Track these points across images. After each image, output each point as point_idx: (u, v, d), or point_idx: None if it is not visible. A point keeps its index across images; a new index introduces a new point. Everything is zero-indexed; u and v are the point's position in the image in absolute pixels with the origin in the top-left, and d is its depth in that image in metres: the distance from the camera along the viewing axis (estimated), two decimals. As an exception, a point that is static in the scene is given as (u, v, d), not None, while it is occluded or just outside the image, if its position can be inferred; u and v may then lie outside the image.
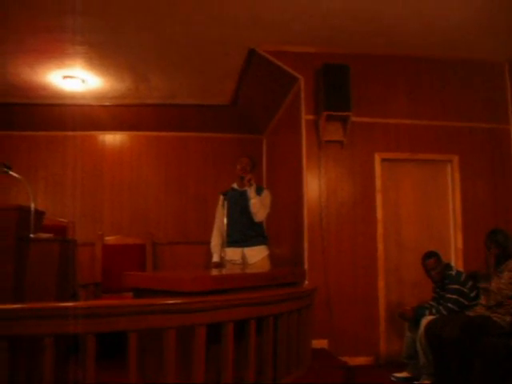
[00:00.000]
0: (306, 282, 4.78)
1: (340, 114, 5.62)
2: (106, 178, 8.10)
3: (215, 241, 5.46)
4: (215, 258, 5.41)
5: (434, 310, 4.81)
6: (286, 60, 5.95)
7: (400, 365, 5.06)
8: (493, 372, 3.99)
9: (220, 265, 5.34)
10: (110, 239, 7.09)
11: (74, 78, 6.75)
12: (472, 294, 4.83)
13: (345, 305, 5.63)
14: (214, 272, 3.92)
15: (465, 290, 4.82)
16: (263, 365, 2.95)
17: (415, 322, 4.89)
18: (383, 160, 5.89)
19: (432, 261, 5.05)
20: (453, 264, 5.40)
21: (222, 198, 5.45)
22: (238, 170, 5.31)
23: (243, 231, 5.24)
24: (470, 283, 4.87)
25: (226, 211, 5.32)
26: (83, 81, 6.84)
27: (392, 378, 4.94)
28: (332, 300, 5.59)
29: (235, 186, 5.46)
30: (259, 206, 5.15)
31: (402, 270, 5.84)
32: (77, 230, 6.82)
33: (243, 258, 5.24)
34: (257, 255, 5.24)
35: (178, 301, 2.36)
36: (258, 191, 5.24)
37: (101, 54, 6.08)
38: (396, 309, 5.55)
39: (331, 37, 5.71)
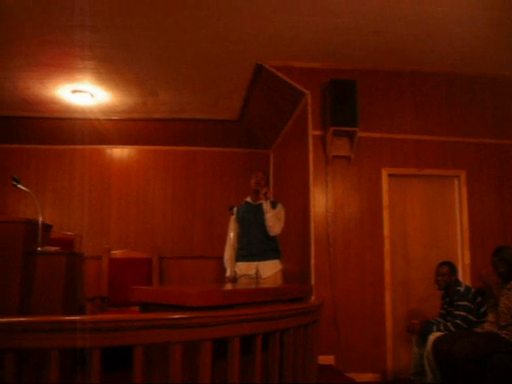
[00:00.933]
0: (313, 298, 4.77)
1: (347, 129, 5.63)
2: (113, 191, 8.13)
3: (228, 255, 5.39)
4: (228, 272, 5.33)
5: (442, 327, 4.78)
6: (293, 75, 5.97)
7: (407, 382, 5.01)
8: (502, 390, 3.96)
9: (234, 279, 5.30)
10: (117, 253, 7.10)
11: (83, 93, 6.81)
12: (480, 311, 4.81)
13: (352, 320, 5.60)
14: (221, 287, 3.91)
15: (473, 306, 4.80)
16: (269, 380, 2.93)
17: (423, 338, 4.86)
18: (390, 175, 5.89)
19: (445, 268, 5.05)
20: (461, 280, 5.37)
21: (235, 211, 5.42)
22: (253, 184, 5.29)
23: (258, 245, 5.21)
24: (478, 299, 4.84)
25: (238, 225, 5.32)
26: (92, 95, 6.89)
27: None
28: (339, 316, 5.56)
29: (249, 199, 5.44)
30: (274, 219, 5.12)
31: (409, 286, 5.81)
32: (84, 243, 6.84)
33: (256, 271, 5.18)
34: (270, 270, 5.18)
35: (184, 315, 2.35)
36: (273, 205, 5.20)
37: (109, 69, 6.14)
38: (403, 325, 5.51)
39: (338, 52, 5.73)
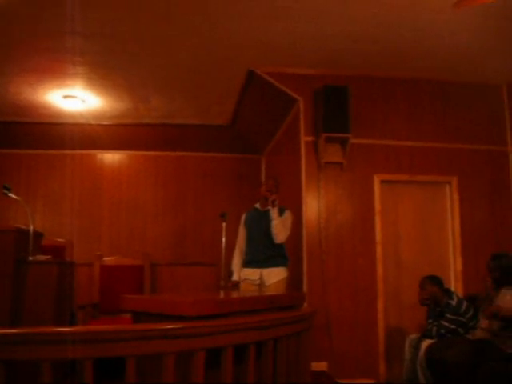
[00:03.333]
0: (306, 305, 4.75)
1: (339, 135, 5.64)
2: (104, 197, 8.11)
3: (236, 260, 5.37)
4: (235, 277, 5.31)
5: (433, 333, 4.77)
6: (286, 81, 5.97)
7: (400, 388, 5.01)
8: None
9: (238, 284, 5.28)
10: (108, 260, 7.04)
11: (74, 98, 6.79)
12: (471, 324, 4.75)
13: (344, 327, 5.59)
14: (213, 295, 3.89)
15: (464, 320, 4.74)
16: (262, 389, 2.91)
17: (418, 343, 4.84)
18: (382, 182, 5.90)
19: (425, 283, 5.00)
20: (452, 289, 5.35)
21: (243, 217, 5.41)
22: (263, 191, 5.25)
23: (264, 251, 5.16)
24: (470, 313, 4.77)
25: (246, 231, 5.33)
26: (83, 100, 6.88)
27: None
28: (331, 322, 5.56)
29: (258, 206, 5.41)
30: (280, 227, 5.08)
31: (401, 292, 5.81)
32: (75, 250, 6.79)
33: (261, 278, 5.14)
34: (274, 277, 5.12)
35: (178, 326, 2.34)
36: (280, 212, 5.15)
37: (100, 75, 6.13)
38: (395, 331, 5.52)
39: (331, 58, 5.75)
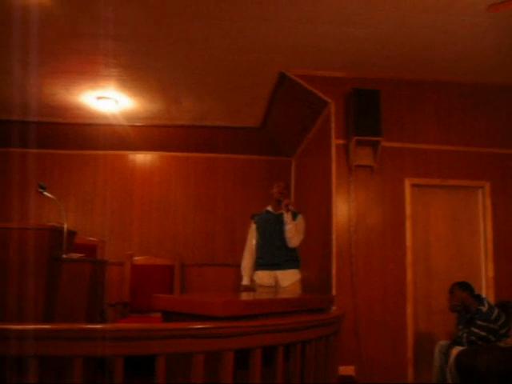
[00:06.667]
0: (334, 308, 4.74)
1: (370, 138, 5.61)
2: (135, 197, 8.18)
3: (246, 263, 5.38)
4: (245, 281, 5.31)
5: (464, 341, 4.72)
6: (316, 84, 5.96)
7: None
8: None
9: (250, 288, 5.29)
10: (139, 259, 7.14)
11: (108, 99, 6.88)
12: (502, 331, 4.68)
13: (373, 331, 5.56)
14: (244, 296, 3.91)
15: (495, 327, 4.68)
16: (290, 391, 2.92)
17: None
18: (413, 185, 5.85)
19: (455, 289, 4.96)
20: (484, 295, 5.28)
21: (255, 220, 5.43)
22: (275, 193, 5.26)
23: (277, 254, 5.18)
24: (502, 320, 4.71)
25: (258, 234, 5.32)
26: (116, 102, 6.96)
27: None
28: (360, 326, 5.53)
29: (270, 208, 5.41)
30: (294, 231, 5.09)
31: (431, 298, 5.75)
32: (106, 249, 6.88)
33: (276, 281, 5.16)
34: (289, 279, 5.15)
35: (208, 326, 2.36)
36: (293, 216, 5.17)
37: (133, 77, 6.20)
38: (424, 337, 5.47)
39: (361, 61, 5.73)
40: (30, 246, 3.48)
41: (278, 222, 5.19)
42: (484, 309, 4.76)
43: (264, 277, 5.20)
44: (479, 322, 4.71)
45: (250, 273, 5.31)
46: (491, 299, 5.44)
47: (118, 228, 7.98)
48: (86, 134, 8.02)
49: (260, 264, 5.26)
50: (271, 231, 5.25)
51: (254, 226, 5.40)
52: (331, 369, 3.59)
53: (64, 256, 3.71)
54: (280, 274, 5.16)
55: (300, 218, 5.26)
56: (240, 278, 5.49)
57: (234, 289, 7.13)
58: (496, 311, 4.75)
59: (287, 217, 5.09)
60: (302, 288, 5.28)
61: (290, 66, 5.90)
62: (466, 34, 5.02)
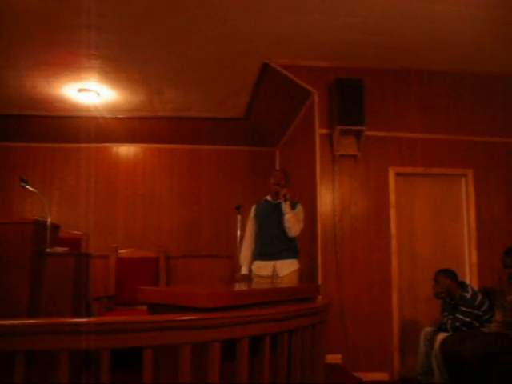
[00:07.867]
0: (320, 297, 4.76)
1: (354, 128, 5.62)
2: (119, 190, 8.14)
3: (245, 252, 5.34)
4: (244, 270, 5.27)
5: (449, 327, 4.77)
6: (300, 74, 5.95)
7: (415, 381, 5.01)
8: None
9: (247, 277, 5.27)
10: (124, 252, 7.10)
11: (90, 91, 6.81)
12: (486, 317, 4.74)
13: (359, 320, 5.59)
14: (229, 287, 3.91)
15: (479, 313, 4.73)
16: (277, 380, 2.93)
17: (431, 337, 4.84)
18: (397, 174, 5.87)
19: (440, 277, 5.00)
20: (467, 282, 5.33)
21: (253, 209, 5.39)
22: (273, 186, 5.24)
23: (276, 244, 5.15)
24: (485, 305, 4.76)
25: (256, 223, 5.31)
26: (98, 94, 6.90)
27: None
28: (346, 314, 5.56)
29: (269, 198, 5.38)
30: (293, 221, 5.07)
31: (415, 285, 5.79)
32: (90, 242, 6.84)
33: (274, 270, 5.13)
34: (287, 268, 5.12)
35: (194, 317, 2.35)
36: (292, 206, 5.13)
37: (115, 68, 6.14)
38: (410, 324, 5.52)
39: (345, 51, 5.72)
40: (13, 240, 3.45)
41: (276, 210, 5.17)
42: (468, 295, 4.81)
43: (261, 267, 5.17)
44: (463, 309, 4.76)
45: (249, 262, 5.29)
46: (475, 286, 5.49)
47: (102, 221, 7.94)
48: (68, 127, 7.95)
49: (258, 254, 5.24)
50: (269, 220, 5.22)
51: (252, 215, 5.38)
52: (318, 358, 3.61)
53: (48, 250, 3.68)
54: (278, 263, 5.13)
55: (299, 207, 5.23)
56: (226, 268, 5.48)
57: (221, 280, 7.13)
58: (480, 297, 4.80)
59: (286, 206, 5.07)
60: (298, 278, 5.24)
61: (273, 56, 5.87)
62: (451, 22, 5.02)
